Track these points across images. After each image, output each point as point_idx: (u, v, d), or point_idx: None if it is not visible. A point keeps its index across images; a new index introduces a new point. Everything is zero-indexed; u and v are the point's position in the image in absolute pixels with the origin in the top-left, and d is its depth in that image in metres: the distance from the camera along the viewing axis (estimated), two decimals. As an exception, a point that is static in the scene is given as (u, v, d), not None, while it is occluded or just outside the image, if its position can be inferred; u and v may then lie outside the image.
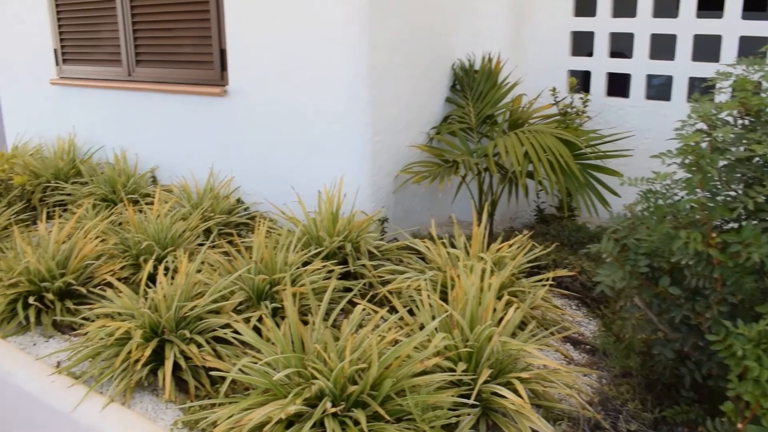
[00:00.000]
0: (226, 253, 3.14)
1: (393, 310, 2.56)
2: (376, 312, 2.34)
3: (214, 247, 3.32)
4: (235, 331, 2.29)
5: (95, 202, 3.97)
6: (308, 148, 3.50)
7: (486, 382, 1.95)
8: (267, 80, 3.56)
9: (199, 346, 2.27)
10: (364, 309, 2.32)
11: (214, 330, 2.36)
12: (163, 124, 4.21)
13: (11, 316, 2.73)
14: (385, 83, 3.34)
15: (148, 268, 2.71)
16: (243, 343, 2.29)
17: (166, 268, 2.76)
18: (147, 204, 3.94)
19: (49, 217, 4.11)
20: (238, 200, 3.87)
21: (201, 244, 3.25)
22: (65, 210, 4.08)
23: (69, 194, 4.14)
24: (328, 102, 3.36)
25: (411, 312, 2.48)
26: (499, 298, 2.37)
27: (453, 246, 2.95)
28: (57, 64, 4.77)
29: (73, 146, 4.76)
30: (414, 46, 3.49)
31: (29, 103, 5.14)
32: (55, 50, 4.75)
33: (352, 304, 2.69)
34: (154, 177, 4.38)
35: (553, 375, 2.08)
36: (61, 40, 4.70)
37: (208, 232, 3.45)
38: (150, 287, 2.54)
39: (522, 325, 2.49)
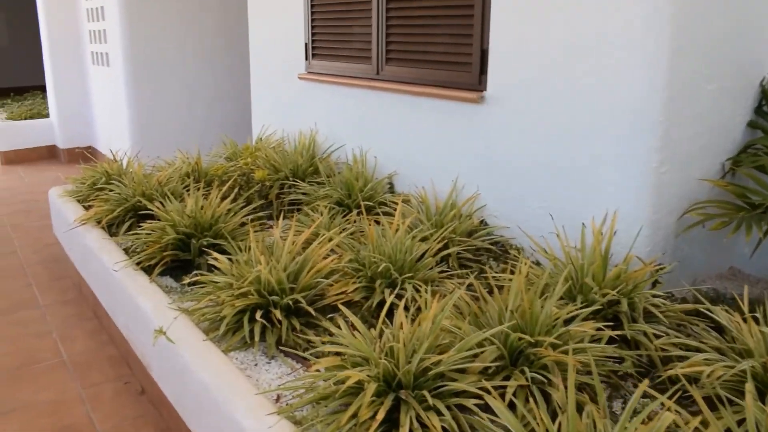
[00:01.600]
0: (470, 287, 2.69)
1: (683, 398, 1.93)
2: (662, 405, 1.72)
3: (453, 275, 2.88)
4: (478, 396, 1.82)
5: (330, 205, 3.75)
6: (575, 173, 2.92)
7: None
8: (532, 90, 3.04)
9: (438, 413, 1.82)
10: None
11: (456, 394, 1.90)
12: (406, 128, 3.88)
13: (236, 327, 2.51)
14: (683, 100, 2.66)
15: (389, 301, 2.33)
16: (492, 418, 1.80)
17: (406, 306, 2.37)
18: (384, 213, 3.64)
19: (284, 215, 3.98)
20: (482, 222, 3.40)
21: (442, 272, 2.83)
22: (299, 209, 3.92)
23: (305, 194, 3.97)
24: (608, 119, 2.75)
25: (712, 407, 1.81)
26: None
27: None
28: (306, 58, 4.67)
29: (314, 143, 4.64)
30: (718, 55, 2.75)
31: (277, 97, 5.15)
32: (306, 44, 4.65)
33: (621, 377, 2.11)
34: (392, 184, 4.08)
35: None
36: (313, 34, 4.58)
37: (446, 254, 3.03)
38: (384, 321, 2.16)
39: None
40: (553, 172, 3.02)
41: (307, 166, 4.36)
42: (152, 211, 3.49)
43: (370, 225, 3.05)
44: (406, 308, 2.44)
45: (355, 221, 3.55)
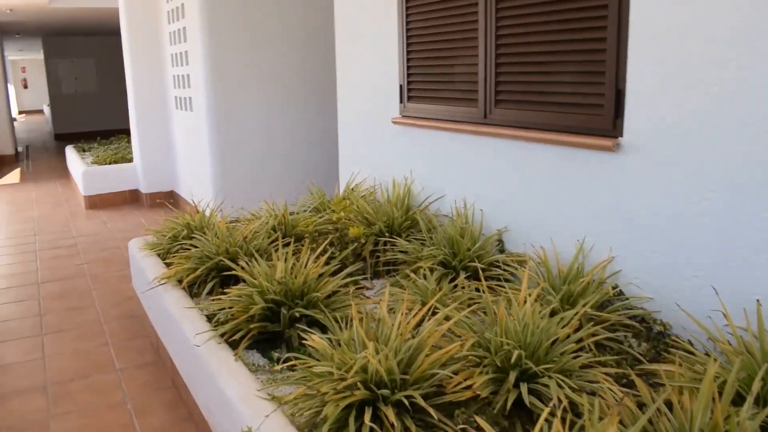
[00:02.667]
0: (621, 378, 2.17)
1: None
2: None
3: (593, 361, 2.37)
4: None
5: (432, 266, 3.31)
6: (742, 237, 2.37)
7: None
8: (683, 135, 2.53)
9: None
10: None
11: None
12: (519, 178, 3.42)
13: (339, 426, 2.07)
14: None
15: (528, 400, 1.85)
16: None
17: (552, 414, 1.87)
18: (495, 278, 3.17)
19: (378, 275, 3.57)
20: (617, 290, 2.88)
21: (577, 355, 2.32)
22: (397, 270, 3.49)
23: (403, 251, 3.55)
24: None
25: None
26: None
27: None
28: (401, 101, 4.30)
29: (409, 193, 4.23)
30: None
31: (367, 142, 4.79)
32: (401, 86, 4.28)
33: None
34: (501, 241, 3.60)
35: None
36: (408, 75, 4.21)
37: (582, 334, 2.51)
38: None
39: None
40: (712, 235, 2.48)
41: (402, 219, 3.95)
42: (237, 273, 3.14)
43: (489, 295, 2.58)
44: (552, 413, 1.95)
45: (463, 287, 3.09)
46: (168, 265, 3.73)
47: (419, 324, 2.45)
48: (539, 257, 3.15)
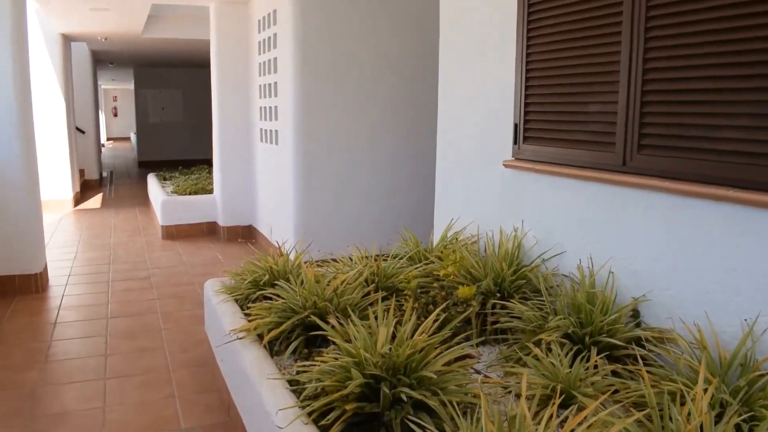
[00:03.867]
0: None
1: None
2: None
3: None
4: None
5: (558, 339, 2.76)
6: None
7: None
8: None
9: None
10: None
11: None
12: (666, 238, 2.83)
13: None
14: None
15: None
16: None
17: None
18: (630, 362, 2.60)
19: (484, 340, 3.04)
20: (812, 393, 2.24)
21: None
22: (505, 336, 2.96)
23: (518, 316, 3.01)
24: None
25: None
26: None
27: None
28: (515, 142, 3.79)
29: (519, 247, 3.69)
30: None
31: (470, 186, 4.29)
32: (516, 125, 3.78)
33: None
34: (636, 312, 3.01)
35: None
36: (526, 113, 3.71)
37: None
38: None
39: None
40: None
41: (512, 276, 3.42)
42: (327, 333, 2.67)
43: (649, 388, 2.01)
44: None
45: (604, 373, 2.52)
46: (247, 315, 3.30)
47: (563, 423, 1.90)
48: (698, 342, 2.55)
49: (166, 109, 18.25)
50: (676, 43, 2.74)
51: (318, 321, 2.81)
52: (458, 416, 2.05)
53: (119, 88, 31.15)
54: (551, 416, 1.88)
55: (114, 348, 4.44)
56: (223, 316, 3.41)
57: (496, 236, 3.96)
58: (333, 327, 2.80)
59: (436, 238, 4.42)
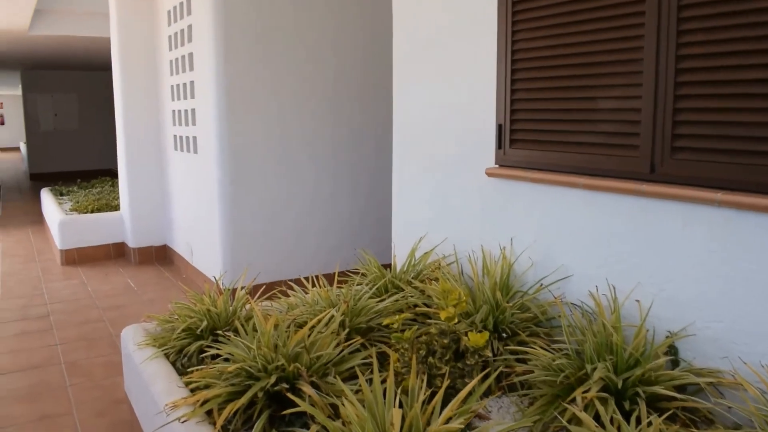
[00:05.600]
0: None
1: None
2: None
3: None
4: None
5: (598, 394, 2.18)
6: None
7: None
8: None
9: None
10: None
11: None
12: (712, 259, 2.32)
13: None
14: None
15: None
16: None
17: None
18: (683, 416, 2.07)
19: (488, 389, 2.45)
20: None
21: None
22: (541, 395, 2.36)
23: (524, 360, 2.42)
24: None
25: None
26: None
27: None
28: (500, 146, 3.21)
29: (509, 270, 3.11)
30: None
31: (440, 198, 3.68)
32: (500, 126, 3.19)
33: None
34: (674, 349, 2.48)
35: None
36: (513, 112, 3.13)
37: None
38: None
39: None
40: None
41: (513, 309, 2.83)
42: (304, 409, 1.98)
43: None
44: None
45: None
46: (187, 383, 2.54)
47: None
48: (765, 381, 2.03)
49: (60, 116, 16.67)
50: (718, 24, 2.23)
51: (291, 396, 2.11)
52: None
53: (5, 93, 28.69)
54: None
55: (7, 420, 3.52)
56: (152, 382, 2.63)
57: (478, 257, 3.37)
58: (309, 396, 2.12)
59: (400, 259, 3.78)
